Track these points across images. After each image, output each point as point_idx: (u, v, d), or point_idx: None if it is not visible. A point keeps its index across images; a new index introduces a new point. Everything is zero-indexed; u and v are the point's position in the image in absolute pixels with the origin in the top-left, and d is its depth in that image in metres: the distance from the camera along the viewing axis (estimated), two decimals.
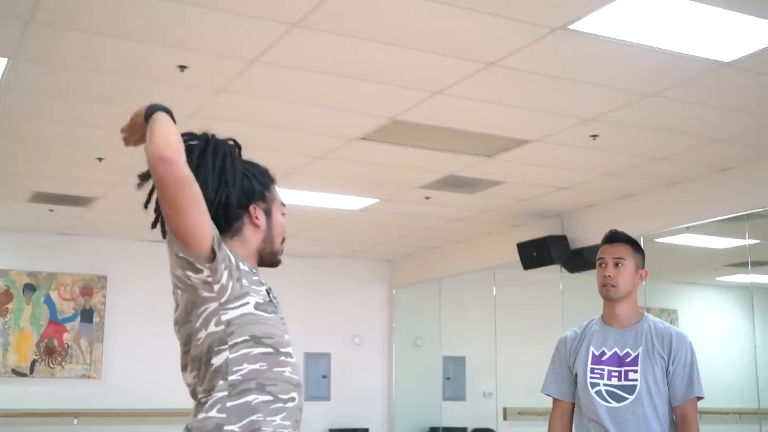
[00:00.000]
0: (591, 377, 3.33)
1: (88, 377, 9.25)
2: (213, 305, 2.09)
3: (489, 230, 9.00)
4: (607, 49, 4.31)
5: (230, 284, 2.09)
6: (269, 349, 2.12)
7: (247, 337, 2.09)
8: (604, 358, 3.34)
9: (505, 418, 9.88)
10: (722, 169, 6.49)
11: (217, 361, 2.08)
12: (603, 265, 3.39)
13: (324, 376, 10.49)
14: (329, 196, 7.61)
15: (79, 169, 6.70)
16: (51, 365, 9.12)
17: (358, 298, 10.88)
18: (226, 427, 2.04)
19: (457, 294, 10.43)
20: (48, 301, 9.23)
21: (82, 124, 5.62)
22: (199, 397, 2.11)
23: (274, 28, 4.10)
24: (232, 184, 2.20)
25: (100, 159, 6.36)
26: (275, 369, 2.11)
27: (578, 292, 8.34)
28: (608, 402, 3.27)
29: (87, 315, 9.36)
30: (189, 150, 2.17)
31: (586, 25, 4.03)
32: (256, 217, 2.25)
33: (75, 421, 9.02)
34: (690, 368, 3.24)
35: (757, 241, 7.19)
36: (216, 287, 2.08)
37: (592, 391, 3.31)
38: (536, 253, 8.05)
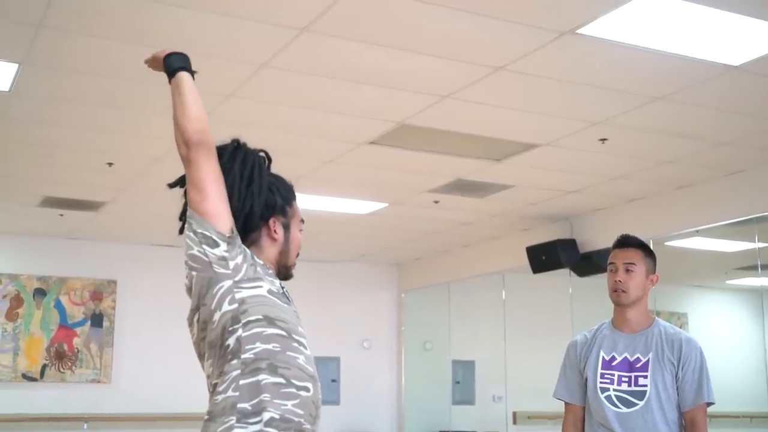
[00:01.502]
0: (601, 382, 3.32)
1: (98, 382, 9.28)
2: (228, 283, 2.11)
3: (498, 234, 9.00)
4: (615, 52, 4.31)
5: (245, 266, 2.13)
6: (283, 332, 2.12)
7: (260, 317, 2.11)
8: (614, 363, 3.33)
9: (514, 422, 9.87)
10: (731, 172, 6.47)
11: (231, 341, 2.09)
12: (614, 270, 3.38)
13: (333, 381, 10.49)
14: (338, 201, 7.62)
15: (88, 173, 6.73)
16: (61, 370, 9.15)
17: (367, 302, 10.88)
18: (239, 405, 2.05)
19: (467, 298, 10.42)
20: (58, 305, 9.27)
21: (92, 129, 5.65)
22: (215, 382, 2.12)
23: (283, 33, 4.11)
24: (257, 195, 2.24)
25: (109, 164, 6.39)
26: (288, 353, 2.12)
27: (587, 296, 8.32)
28: (618, 407, 3.27)
29: (97, 319, 9.39)
30: (218, 154, 2.22)
31: (594, 29, 4.03)
32: (275, 231, 2.28)
33: (85, 426, 9.04)
34: (699, 374, 3.22)
35: (767, 244, 7.17)
36: (231, 264, 2.11)
37: (602, 396, 3.31)
38: (545, 257, 8.05)
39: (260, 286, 2.14)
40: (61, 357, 9.17)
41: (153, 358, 9.29)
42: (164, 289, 9.03)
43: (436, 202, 7.61)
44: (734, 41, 4.18)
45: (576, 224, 8.02)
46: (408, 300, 11.00)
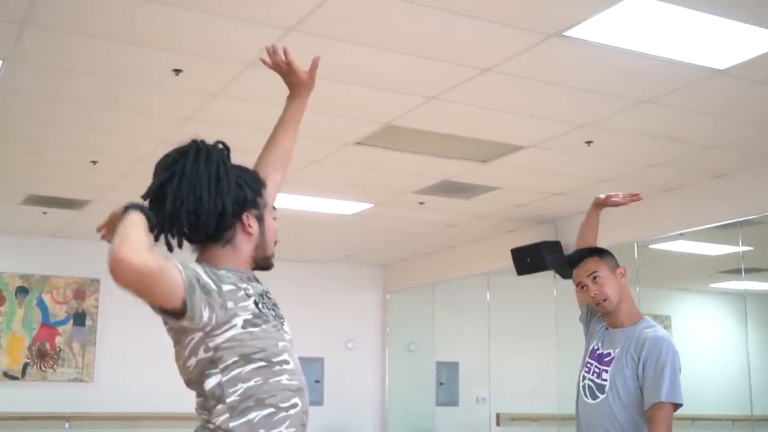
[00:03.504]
0: (584, 371, 3.36)
1: (80, 381, 9.22)
2: (198, 335, 2.08)
3: (483, 236, 9.01)
4: (602, 55, 4.32)
5: (213, 316, 2.06)
6: (261, 363, 2.10)
7: (236, 358, 2.08)
8: (595, 354, 3.36)
9: (498, 424, 9.88)
10: (716, 175, 6.50)
11: (209, 384, 2.08)
12: (584, 287, 3.38)
13: (317, 381, 10.47)
14: (324, 201, 7.61)
15: (73, 172, 6.69)
16: (43, 369, 9.09)
17: (351, 303, 10.87)
18: None
19: (451, 299, 10.43)
20: (40, 304, 9.21)
21: (76, 127, 5.62)
22: (204, 416, 2.12)
23: (269, 32, 4.09)
24: (227, 192, 2.17)
25: (94, 162, 6.35)
26: (271, 380, 2.11)
27: (572, 298, 8.31)
28: (586, 397, 3.32)
29: (80, 318, 9.34)
30: (181, 155, 2.18)
31: (581, 31, 4.04)
32: (249, 225, 2.23)
33: (66, 425, 8.99)
34: (659, 372, 3.14)
35: (751, 248, 7.20)
36: (199, 323, 2.05)
37: (580, 385, 3.37)
38: (530, 259, 8.06)
39: (233, 326, 2.08)
40: (43, 356, 9.11)
41: (135, 358, 9.25)
42: None
43: (422, 203, 7.60)
44: (720, 45, 4.20)
45: (561, 226, 8.04)
46: (393, 301, 10.99)
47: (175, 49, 4.34)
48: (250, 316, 2.12)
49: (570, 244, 7.84)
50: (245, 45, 4.27)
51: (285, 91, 4.31)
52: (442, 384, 10.62)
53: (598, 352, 3.36)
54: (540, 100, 5.02)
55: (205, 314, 2.04)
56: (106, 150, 6.07)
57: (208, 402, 2.09)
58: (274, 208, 2.34)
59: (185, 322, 2.03)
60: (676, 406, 3.14)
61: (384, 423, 10.76)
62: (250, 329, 2.11)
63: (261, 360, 2.10)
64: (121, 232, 1.96)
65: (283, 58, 2.57)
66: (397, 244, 9.67)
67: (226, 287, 2.11)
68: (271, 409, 2.08)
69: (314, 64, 2.63)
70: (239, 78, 4.69)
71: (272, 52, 2.55)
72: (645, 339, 3.22)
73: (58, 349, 9.19)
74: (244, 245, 2.22)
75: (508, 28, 4.03)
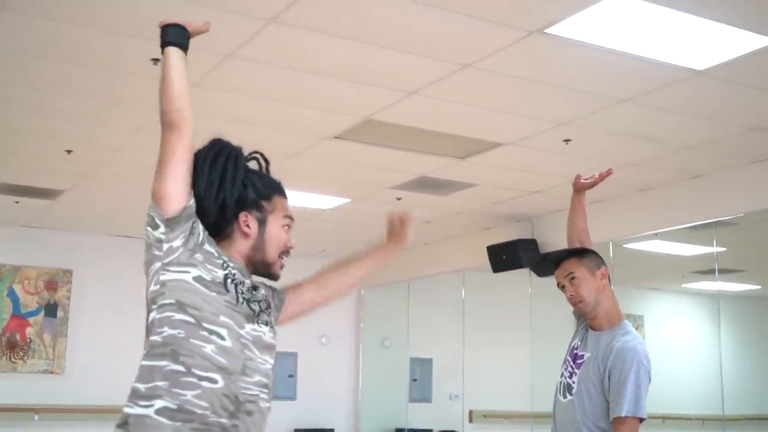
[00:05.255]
0: (562, 368, 3.36)
1: (51, 372, 9.13)
2: (157, 264, 2.14)
3: (459, 233, 9.01)
4: (583, 53, 4.32)
5: (180, 250, 2.14)
6: (191, 319, 2.10)
7: (173, 301, 2.11)
8: (573, 353, 3.36)
9: (470, 421, 9.91)
10: (692, 176, 6.54)
11: (149, 319, 2.14)
12: (563, 288, 3.38)
13: (290, 376, 10.44)
14: (300, 195, 7.57)
15: (46, 161, 6.60)
16: (13, 360, 8.99)
17: None
18: (135, 384, 2.10)
19: (426, 296, 10.43)
20: (11, 294, 9.10)
21: (51, 116, 5.54)
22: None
23: (250, 23, 4.06)
24: (229, 188, 2.25)
25: (68, 151, 6.27)
26: (192, 340, 2.08)
27: (547, 296, 8.35)
28: (560, 395, 3.32)
29: (51, 309, 9.24)
30: (198, 149, 2.27)
31: (562, 29, 4.03)
32: (247, 225, 2.29)
33: (36, 417, 8.89)
34: (621, 385, 3.09)
35: (724, 249, 7.26)
36: (165, 246, 2.13)
37: (557, 381, 3.37)
38: (506, 257, 8.07)
39: (187, 272, 2.13)
40: (13, 347, 9.00)
41: (107, 350, 9.15)
42: (121, 279, 8.92)
43: (399, 198, 7.59)
44: (700, 46, 4.21)
45: (537, 224, 8.05)
46: (367, 297, 10.97)
47: (154, 38, 4.28)
48: (208, 278, 2.15)
49: (546, 242, 7.87)
50: (225, 36, 4.23)
51: (263, 83, 4.27)
52: (415, 380, 10.62)
53: (575, 351, 3.35)
54: (519, 97, 5.02)
55: (179, 240, 2.14)
56: (82, 139, 6.00)
57: (147, 337, 2.15)
58: (290, 218, 2.44)
59: (161, 230, 2.13)
60: (641, 420, 3.10)
61: (357, 418, 10.74)
62: (200, 286, 2.13)
63: (192, 316, 2.10)
64: (173, 80, 2.30)
65: (401, 223, 3.00)
66: (373, 239, 9.61)
67: (207, 247, 2.20)
68: (182, 368, 2.06)
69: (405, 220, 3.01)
70: (218, 69, 4.65)
71: (397, 219, 2.98)
72: (612, 349, 3.17)
73: (28, 340, 9.08)
74: (240, 244, 2.28)
75: (490, 24, 4.02)
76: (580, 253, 3.40)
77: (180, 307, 2.10)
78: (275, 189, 2.41)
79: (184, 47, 2.37)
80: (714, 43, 4.17)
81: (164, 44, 2.33)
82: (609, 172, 3.58)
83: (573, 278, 3.32)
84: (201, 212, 2.22)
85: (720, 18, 3.91)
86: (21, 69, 4.77)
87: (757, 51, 4.21)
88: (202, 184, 2.22)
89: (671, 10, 3.82)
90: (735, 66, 4.40)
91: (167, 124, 2.18)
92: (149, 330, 2.13)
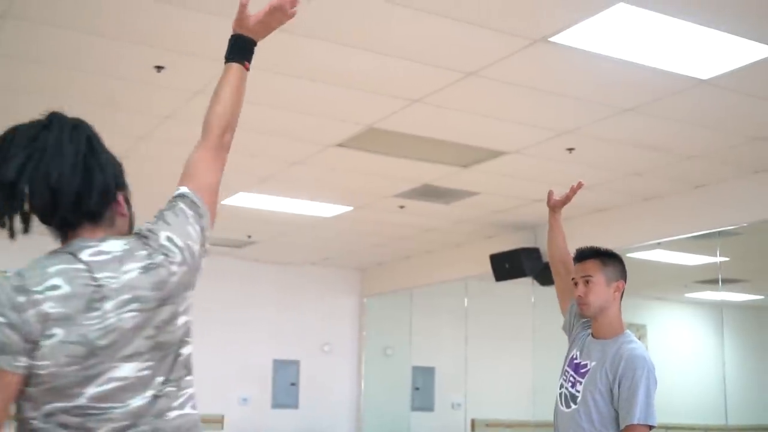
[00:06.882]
0: (562, 379, 3.35)
1: None
2: (191, 293, 1.91)
3: (462, 241, 8.99)
4: (587, 62, 4.32)
5: None
6: None
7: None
8: (573, 363, 3.35)
9: (473, 430, 9.87)
10: (695, 185, 6.52)
11: (186, 351, 1.89)
12: (576, 284, 3.37)
13: (293, 384, 10.42)
14: (304, 203, 7.57)
15: None
16: None
17: (328, 307, 10.83)
18: (200, 424, 1.91)
19: (429, 304, 10.42)
20: None
21: None
22: (163, 388, 1.84)
23: None
24: (105, 167, 1.92)
25: None
26: None
27: (550, 305, 8.31)
28: (562, 406, 3.31)
29: None
30: (44, 127, 1.92)
31: (566, 38, 4.03)
32: (123, 205, 1.98)
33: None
34: (632, 393, 3.10)
35: (728, 259, 7.23)
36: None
37: (558, 392, 3.35)
38: (509, 265, 8.05)
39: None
40: None
41: None
42: None
43: (402, 207, 7.58)
44: (704, 55, 4.20)
45: (540, 233, 8.03)
46: (370, 305, 10.96)
47: (157, 46, 4.29)
48: None
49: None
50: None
51: (266, 92, 4.26)
52: (417, 389, 10.59)
53: (576, 361, 3.34)
54: (523, 105, 5.01)
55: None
56: None
57: (178, 371, 1.87)
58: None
59: (204, 257, 1.94)
60: (651, 426, 3.11)
61: (359, 427, 10.72)
62: None
63: None
64: (239, 105, 2.19)
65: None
66: (375, 247, 9.64)
67: None
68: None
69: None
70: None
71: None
72: (621, 357, 3.18)
73: None
74: (123, 229, 1.95)
75: (493, 32, 4.01)
76: (607, 258, 3.38)
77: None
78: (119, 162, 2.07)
79: (245, 60, 2.30)
80: (718, 53, 4.16)
81: (226, 59, 2.29)
82: (579, 185, 3.56)
83: (588, 281, 3.31)
84: (81, 204, 1.87)
85: (724, 27, 3.90)
86: (24, 75, 4.77)
87: (761, 60, 4.20)
88: (66, 169, 1.85)
89: (675, 19, 3.82)
90: (739, 75, 4.39)
91: (230, 147, 2.12)
92: (187, 364, 1.89)
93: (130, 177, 2.11)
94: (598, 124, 5.24)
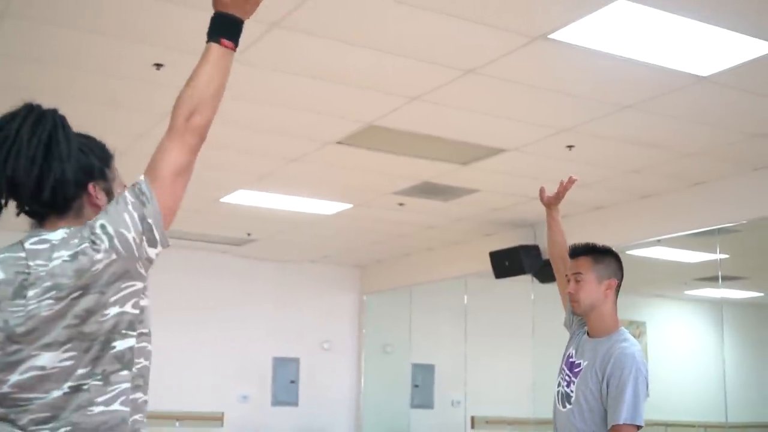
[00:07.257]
0: (559, 378, 3.35)
1: None
2: (139, 285, 1.86)
3: (461, 238, 9.00)
4: (586, 59, 4.31)
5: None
6: (150, 347, 1.94)
7: (147, 330, 1.91)
8: (569, 362, 3.35)
9: (473, 427, 9.88)
10: (694, 183, 6.52)
11: (120, 345, 1.83)
12: (569, 280, 3.37)
13: (292, 381, 10.42)
14: (303, 200, 7.57)
15: None
16: None
17: (328, 304, 10.83)
18: (130, 418, 1.85)
19: (428, 302, 10.42)
20: None
21: None
22: (87, 381, 1.80)
23: (253, 27, 4.05)
24: (66, 158, 1.92)
25: None
26: (149, 366, 1.94)
27: (549, 302, 8.32)
28: (559, 404, 3.31)
29: None
30: (11, 118, 1.92)
31: (565, 35, 4.03)
32: (97, 197, 1.98)
33: None
34: (620, 393, 3.08)
35: (727, 256, 7.24)
36: (149, 269, 1.89)
37: (555, 391, 3.36)
38: (508, 263, 8.06)
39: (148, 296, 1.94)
40: None
41: None
42: None
43: (401, 204, 7.58)
44: (703, 52, 4.20)
45: (539, 230, 8.03)
46: (369, 302, 10.96)
47: (156, 44, 4.29)
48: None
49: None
50: None
51: (267, 88, 4.27)
52: (417, 386, 10.60)
53: (571, 360, 3.34)
54: (522, 103, 5.01)
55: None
56: None
57: (107, 365, 1.82)
58: (125, 186, 2.02)
59: (156, 251, 1.88)
60: (639, 427, 3.08)
61: (358, 424, 10.72)
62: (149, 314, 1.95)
63: (150, 344, 1.93)
64: (222, 87, 2.11)
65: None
66: (375, 245, 9.64)
67: None
68: (146, 398, 1.92)
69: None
70: None
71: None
72: (611, 356, 3.17)
73: None
74: (91, 218, 1.91)
75: (493, 29, 4.01)
76: (598, 255, 3.36)
77: (150, 336, 1.91)
78: (109, 153, 2.09)
79: (233, 39, 2.13)
80: (718, 49, 4.16)
81: (209, 38, 2.14)
82: (571, 180, 3.55)
83: (578, 278, 3.31)
84: (39, 194, 1.88)
85: (724, 24, 3.90)
86: (23, 74, 4.76)
87: (761, 57, 4.20)
88: (23, 160, 1.87)
89: (675, 16, 3.82)
90: (739, 72, 4.39)
91: (202, 131, 2.06)
92: (122, 358, 1.84)
93: (130, 174, 2.11)
94: (598, 122, 5.24)
